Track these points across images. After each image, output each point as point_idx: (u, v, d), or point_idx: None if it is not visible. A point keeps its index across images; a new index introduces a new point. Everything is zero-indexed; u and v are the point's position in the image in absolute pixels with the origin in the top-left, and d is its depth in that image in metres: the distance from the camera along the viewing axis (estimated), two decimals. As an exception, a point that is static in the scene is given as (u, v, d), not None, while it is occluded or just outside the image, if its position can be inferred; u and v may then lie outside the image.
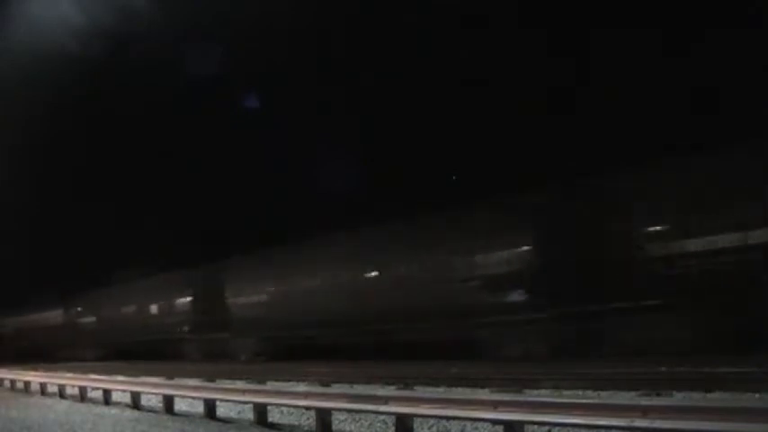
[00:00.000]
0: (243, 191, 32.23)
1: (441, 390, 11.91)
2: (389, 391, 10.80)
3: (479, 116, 23.83)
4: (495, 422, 8.54)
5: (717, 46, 18.08)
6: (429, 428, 10.09)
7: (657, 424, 6.75)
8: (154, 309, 38.89)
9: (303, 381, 15.74)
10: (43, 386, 21.92)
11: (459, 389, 12.00)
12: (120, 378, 19.01)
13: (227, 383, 14.97)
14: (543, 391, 10.83)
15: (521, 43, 22.47)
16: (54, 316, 48.73)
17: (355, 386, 13.60)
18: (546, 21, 22.09)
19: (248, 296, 32.10)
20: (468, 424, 9.59)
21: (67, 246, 41.99)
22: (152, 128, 34.51)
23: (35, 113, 36.29)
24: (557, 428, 8.55)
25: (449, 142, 24.97)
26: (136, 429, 12.67)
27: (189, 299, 35.81)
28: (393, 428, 9.93)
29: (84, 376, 20.39)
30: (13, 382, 25.28)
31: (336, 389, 12.63)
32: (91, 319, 45.45)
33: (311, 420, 11.34)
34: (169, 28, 29.20)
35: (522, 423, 8.23)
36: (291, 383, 15.34)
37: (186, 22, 28.90)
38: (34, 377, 23.27)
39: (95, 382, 19.09)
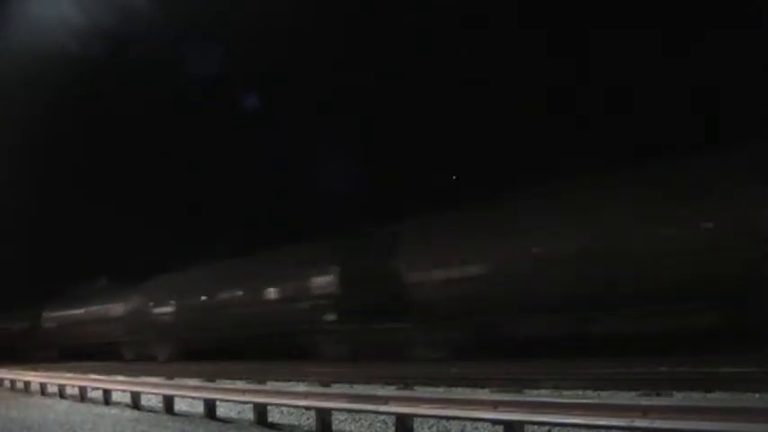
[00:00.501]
0: (243, 190, 32.33)
1: (441, 390, 11.90)
2: (389, 391, 10.79)
3: (479, 116, 23.87)
4: (495, 422, 8.54)
5: (717, 46, 18.10)
6: (429, 428, 10.09)
7: (657, 424, 6.75)
8: (272, 293, 29.11)
9: (303, 381, 15.74)
10: (43, 386, 21.92)
11: (459, 389, 11.99)
12: (120, 378, 19.01)
13: (227, 383, 14.96)
14: (543, 391, 10.82)
15: (521, 43, 22.51)
16: (113, 307, 39.82)
17: (355, 386, 13.59)
18: (546, 21, 22.13)
19: (443, 269, 21.94)
20: (468, 424, 9.59)
21: (68, 245, 42.05)
22: (152, 128, 34.57)
23: (35, 113, 36.33)
24: (557, 428, 8.54)
25: (449, 142, 25.01)
26: (136, 429, 12.67)
27: (332, 278, 25.97)
28: (393, 428, 9.93)
29: (84, 376, 20.39)
30: (13, 382, 25.28)
31: (336, 389, 12.62)
32: (166, 309, 35.33)
33: (311, 420, 11.34)
34: (169, 28, 29.25)
35: (522, 423, 8.23)
36: (291, 383, 15.34)
37: (186, 22, 28.96)
38: (34, 377, 23.26)
39: (95, 382, 19.09)
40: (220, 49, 29.54)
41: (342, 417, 11.19)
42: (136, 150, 36.37)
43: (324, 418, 10.76)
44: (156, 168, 36.77)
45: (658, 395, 7.89)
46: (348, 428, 11.04)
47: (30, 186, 41.76)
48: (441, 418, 9.53)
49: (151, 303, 36.31)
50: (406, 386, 11.64)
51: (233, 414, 13.36)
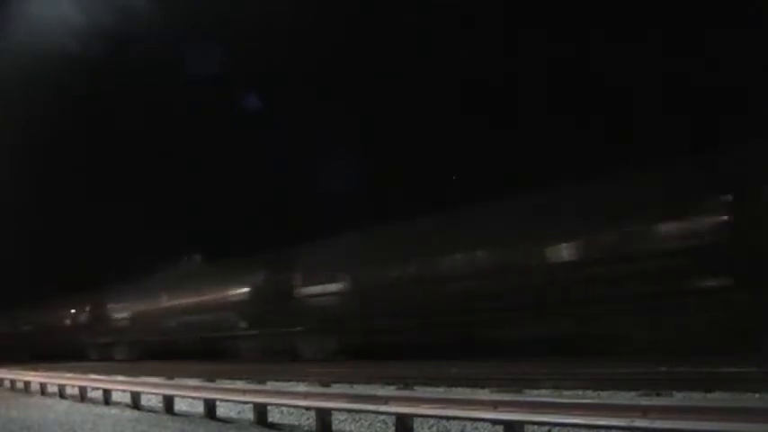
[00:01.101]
0: (243, 191, 32.27)
1: (441, 390, 11.90)
2: (389, 391, 10.80)
3: (479, 116, 23.86)
4: (495, 422, 8.54)
5: (717, 46, 18.11)
6: (429, 428, 10.09)
7: (657, 424, 6.75)
8: (564, 251, 18.75)
9: (303, 381, 15.74)
10: (43, 386, 21.93)
11: (459, 389, 11.99)
12: (120, 378, 19.02)
13: (227, 383, 14.97)
14: (543, 391, 10.82)
15: (521, 45, 22.53)
16: (227, 290, 31.04)
17: (355, 386, 13.59)
18: (546, 20, 22.14)
19: None
20: (468, 424, 9.59)
21: (68, 245, 41.96)
22: (152, 128, 34.56)
23: (35, 113, 36.33)
24: (557, 428, 8.54)
25: (449, 142, 24.98)
26: (136, 429, 12.67)
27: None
28: (393, 428, 9.94)
29: (84, 376, 20.41)
30: (13, 382, 25.29)
31: (336, 389, 12.63)
32: (324, 287, 26.01)
33: (311, 420, 11.34)
34: (169, 28, 29.26)
35: (522, 423, 8.23)
36: (291, 383, 15.35)
37: (186, 22, 28.97)
38: (34, 377, 23.28)
39: (95, 382, 19.10)
40: (220, 49, 29.56)
41: (342, 417, 11.20)
42: (136, 150, 36.36)
43: (324, 418, 10.76)
44: (156, 168, 36.76)
45: (658, 395, 7.89)
46: (348, 428, 11.04)
47: (30, 186, 41.75)
48: (441, 418, 9.53)
49: (296, 282, 27.41)
50: (406, 386, 11.64)
51: (233, 414, 13.37)
